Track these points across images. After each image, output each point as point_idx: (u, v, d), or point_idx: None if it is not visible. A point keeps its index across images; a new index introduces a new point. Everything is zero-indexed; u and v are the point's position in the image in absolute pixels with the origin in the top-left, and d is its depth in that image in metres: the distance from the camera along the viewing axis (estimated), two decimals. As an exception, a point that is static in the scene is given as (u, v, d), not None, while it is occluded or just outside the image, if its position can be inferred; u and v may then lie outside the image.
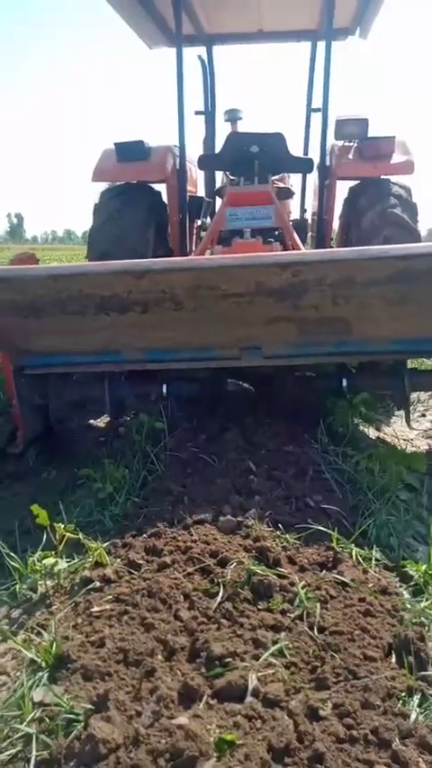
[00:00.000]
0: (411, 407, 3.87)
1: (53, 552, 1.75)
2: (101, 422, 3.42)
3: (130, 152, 3.72)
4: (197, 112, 4.67)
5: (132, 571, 1.69)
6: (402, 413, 3.54)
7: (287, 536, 1.84)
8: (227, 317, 2.44)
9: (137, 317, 2.41)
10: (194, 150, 4.30)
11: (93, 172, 3.82)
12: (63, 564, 1.71)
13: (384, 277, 2.29)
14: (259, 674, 1.30)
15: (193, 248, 4.35)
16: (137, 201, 3.72)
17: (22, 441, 2.72)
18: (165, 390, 2.88)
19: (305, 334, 2.54)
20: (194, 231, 4.52)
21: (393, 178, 3.68)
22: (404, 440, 3.11)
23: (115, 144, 3.77)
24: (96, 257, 3.49)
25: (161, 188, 4.03)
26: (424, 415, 3.73)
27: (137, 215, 3.64)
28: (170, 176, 3.86)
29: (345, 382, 2.88)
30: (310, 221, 4.76)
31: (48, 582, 1.70)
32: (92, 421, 3.41)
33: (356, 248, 2.78)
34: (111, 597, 1.58)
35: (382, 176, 3.67)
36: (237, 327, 2.54)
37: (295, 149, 3.91)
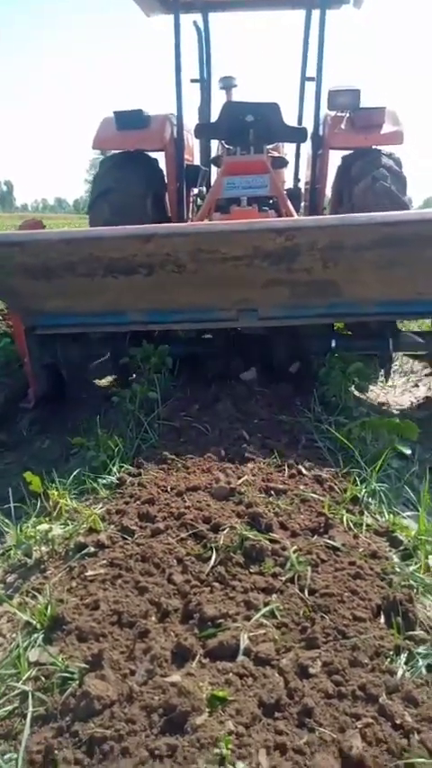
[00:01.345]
0: (405, 377, 3.91)
1: (47, 519, 1.76)
2: (106, 381, 3.58)
3: (130, 120, 3.77)
4: (193, 80, 4.63)
5: (126, 537, 1.71)
6: (398, 382, 3.57)
7: (279, 502, 1.85)
8: (226, 279, 2.60)
9: (142, 279, 2.56)
10: (190, 118, 4.30)
11: (93, 140, 3.88)
12: (57, 530, 1.72)
13: (371, 242, 2.45)
14: (251, 634, 1.33)
15: (190, 216, 4.39)
16: (136, 170, 3.77)
17: (33, 397, 2.90)
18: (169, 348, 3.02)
19: (298, 297, 2.71)
20: (191, 199, 4.54)
21: (384, 148, 3.77)
22: (397, 409, 3.12)
23: (114, 112, 3.79)
24: (97, 225, 3.57)
25: (158, 156, 4.06)
26: (417, 386, 3.75)
27: (136, 183, 3.69)
28: (168, 145, 3.91)
29: (334, 343, 3.04)
30: (303, 190, 4.79)
31: (42, 548, 1.72)
32: (97, 381, 3.56)
33: (345, 215, 2.99)
34: (105, 562, 1.59)
35: (372, 146, 3.74)
36: (234, 290, 2.69)
37: (290, 119, 3.95)
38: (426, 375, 3.83)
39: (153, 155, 4.05)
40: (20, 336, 2.88)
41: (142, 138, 3.83)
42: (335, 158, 4.08)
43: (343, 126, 3.83)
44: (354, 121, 3.77)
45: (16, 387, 3.12)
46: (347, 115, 3.82)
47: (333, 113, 3.91)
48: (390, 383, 3.87)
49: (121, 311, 2.81)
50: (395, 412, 3.03)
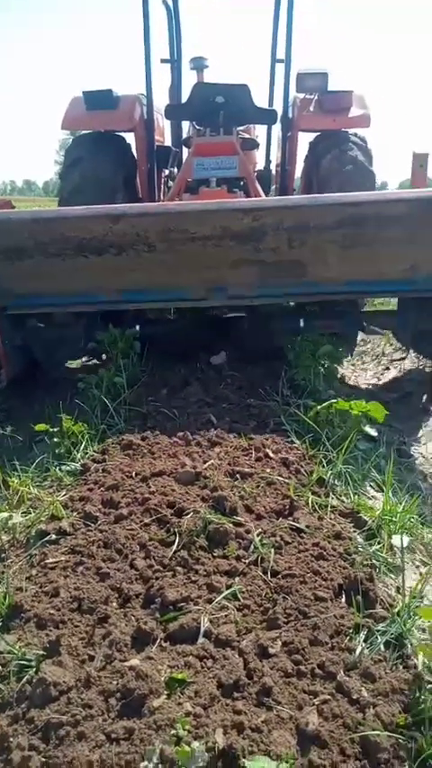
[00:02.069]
0: (376, 360, 3.95)
1: (8, 507, 1.73)
2: (77, 363, 3.56)
3: (99, 101, 3.73)
4: (163, 60, 4.58)
5: (89, 523, 1.69)
6: (368, 366, 3.61)
7: (245, 486, 1.85)
8: (195, 259, 2.65)
9: (112, 258, 2.61)
10: (161, 99, 4.29)
11: (62, 119, 3.83)
12: (18, 518, 1.69)
13: (334, 222, 2.56)
14: (212, 616, 1.33)
15: (162, 197, 4.39)
16: (106, 151, 3.75)
17: (5, 377, 2.89)
18: (138, 330, 3.05)
19: (266, 276, 2.75)
20: (163, 180, 4.53)
21: (351, 130, 3.82)
22: (366, 391, 3.15)
23: (83, 92, 3.74)
24: (67, 206, 3.51)
25: (129, 137, 4.03)
26: (388, 369, 3.78)
27: (105, 164, 3.67)
28: (138, 126, 3.89)
29: (302, 322, 3.08)
30: (274, 172, 4.81)
31: (3, 536, 1.69)
32: (69, 362, 3.54)
33: (310, 195, 3.14)
34: (66, 549, 1.57)
35: (341, 129, 3.80)
36: (204, 269, 2.73)
37: (260, 101, 3.96)
38: (394, 360, 3.87)
39: (124, 136, 4.01)
40: None
41: (111, 118, 3.80)
42: (304, 140, 4.12)
43: (311, 108, 3.87)
44: (322, 104, 3.81)
45: None
46: (316, 98, 3.86)
47: (302, 96, 3.94)
48: (361, 366, 3.91)
49: (92, 291, 2.83)
50: (364, 395, 3.06)
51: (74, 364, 3.61)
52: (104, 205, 2.77)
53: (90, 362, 3.49)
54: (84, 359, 3.56)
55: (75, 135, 4.35)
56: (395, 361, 3.83)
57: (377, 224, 2.55)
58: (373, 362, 3.92)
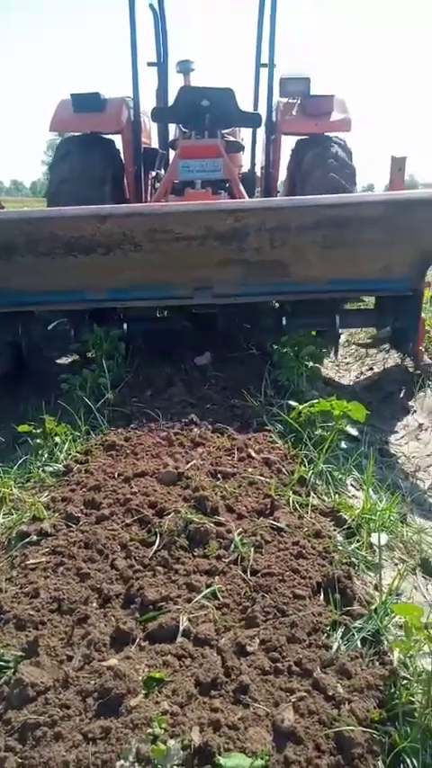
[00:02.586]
0: (360, 361, 3.98)
1: (-12, 508, 1.72)
2: (66, 360, 3.59)
3: (86, 103, 3.80)
4: (150, 64, 4.65)
5: (70, 524, 1.69)
6: (352, 367, 3.65)
7: (227, 485, 1.86)
8: (181, 259, 2.71)
9: (100, 258, 2.67)
10: (148, 102, 4.34)
11: (50, 121, 3.89)
12: (0, 519, 1.69)
13: (314, 223, 2.64)
14: (191, 615, 1.34)
15: (149, 199, 4.43)
16: (93, 152, 3.82)
17: None
18: (125, 329, 3.11)
19: (249, 275, 2.84)
20: (149, 182, 4.58)
21: (333, 134, 3.93)
22: (348, 392, 3.18)
23: (71, 95, 3.81)
24: (56, 198, 3.66)
25: (116, 139, 4.09)
26: (371, 369, 3.81)
27: (93, 166, 3.74)
28: (125, 128, 3.97)
29: (284, 321, 3.14)
30: (259, 174, 4.86)
31: (-16, 538, 1.68)
32: (59, 360, 3.59)
33: (290, 197, 3.33)
34: (47, 550, 1.58)
35: (323, 133, 3.92)
36: (189, 269, 2.81)
37: (245, 105, 4.07)
38: (372, 363, 3.92)
39: (111, 138, 4.07)
40: None
41: (99, 120, 3.86)
42: (288, 143, 4.22)
43: (294, 112, 3.97)
44: (304, 108, 3.92)
45: None
46: (298, 102, 3.95)
47: (285, 100, 4.03)
48: (345, 367, 3.94)
49: (80, 289, 2.88)
50: (347, 395, 3.08)
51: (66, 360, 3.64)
52: (92, 205, 2.83)
53: (77, 361, 3.51)
54: (70, 358, 3.57)
55: (62, 136, 4.39)
56: (380, 362, 3.86)
57: (355, 225, 2.65)
58: (356, 363, 3.95)
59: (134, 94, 3.93)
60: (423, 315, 3.09)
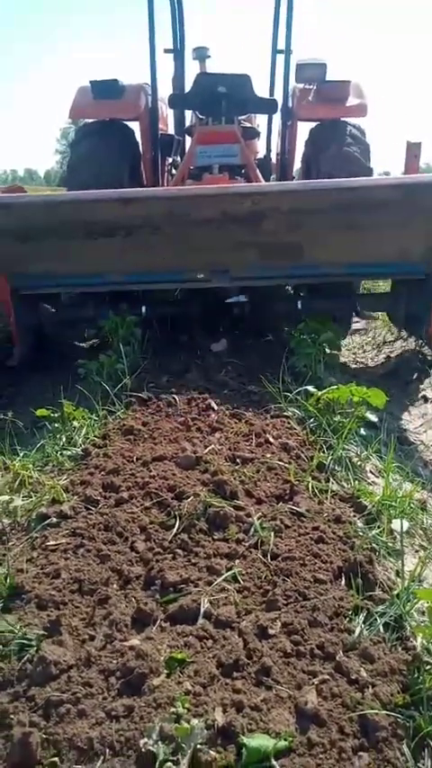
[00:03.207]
0: (377, 349, 3.94)
1: (8, 490, 1.73)
2: (85, 343, 3.68)
3: (105, 90, 3.86)
4: (166, 51, 4.65)
5: (90, 507, 1.69)
6: (370, 354, 3.63)
7: (245, 470, 1.85)
8: (198, 242, 2.78)
9: (120, 241, 2.73)
10: (164, 89, 4.37)
11: (70, 108, 3.97)
12: (19, 501, 1.69)
13: (328, 206, 2.68)
14: (212, 598, 1.33)
15: (165, 184, 4.48)
16: (112, 138, 3.88)
17: (18, 356, 3.02)
18: (144, 311, 3.19)
19: (266, 258, 2.89)
20: (166, 168, 4.63)
21: (349, 119, 3.92)
22: (366, 379, 3.15)
23: (91, 82, 3.87)
24: (75, 175, 3.74)
25: (134, 125, 4.14)
26: (389, 358, 3.77)
27: (112, 151, 3.80)
28: (143, 114, 4.02)
29: (300, 304, 3.21)
30: (274, 160, 4.88)
31: (4, 519, 1.69)
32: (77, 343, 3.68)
33: (304, 181, 3.35)
34: (67, 532, 1.58)
35: (339, 118, 3.91)
36: (207, 252, 2.87)
37: (261, 90, 4.08)
38: (389, 351, 3.88)
39: (129, 124, 4.11)
40: (5, 297, 2.99)
41: (118, 107, 3.91)
42: (304, 129, 4.19)
43: (310, 98, 3.97)
44: (320, 94, 3.91)
45: None
46: (314, 88, 3.95)
47: (301, 86, 4.04)
48: (362, 354, 3.90)
49: (100, 272, 2.94)
50: (365, 382, 3.05)
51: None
52: (114, 190, 2.89)
53: (95, 344, 3.56)
54: (89, 341, 3.66)
55: (77, 124, 4.43)
56: (398, 349, 3.82)
57: (370, 208, 2.67)
58: (374, 351, 3.91)
59: (152, 81, 3.98)
60: None
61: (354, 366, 3.65)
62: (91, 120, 4.08)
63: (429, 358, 3.49)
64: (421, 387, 3.19)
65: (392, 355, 3.79)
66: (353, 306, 3.33)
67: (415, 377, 3.30)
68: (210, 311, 3.35)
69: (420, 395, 3.10)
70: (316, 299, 3.25)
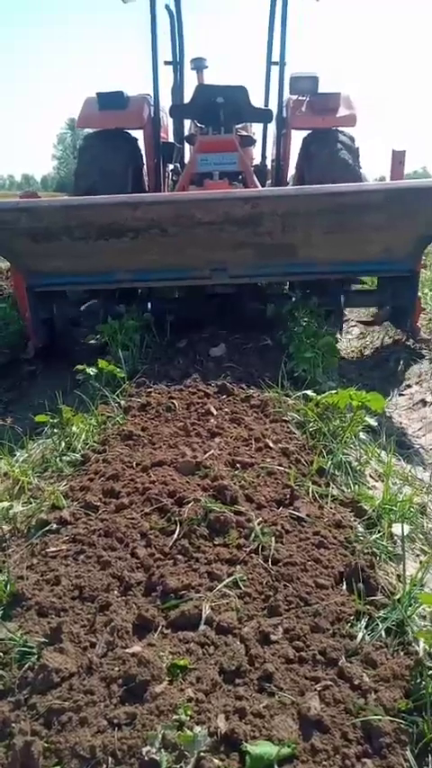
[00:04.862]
0: (376, 352, 3.96)
1: (8, 496, 1.72)
2: (92, 339, 3.84)
3: (111, 101, 4.10)
4: (166, 62, 4.87)
5: (89, 513, 1.69)
6: (368, 355, 3.68)
7: (245, 475, 1.85)
8: (201, 242, 3.01)
9: (129, 242, 2.97)
10: (163, 99, 4.57)
11: (77, 118, 4.25)
12: (19, 507, 1.69)
13: (319, 209, 2.92)
14: (213, 604, 1.33)
15: (166, 190, 4.74)
16: (117, 146, 4.13)
17: (32, 349, 3.27)
18: (149, 307, 3.44)
19: (262, 257, 3.13)
20: (167, 174, 4.85)
21: (340, 129, 4.18)
22: (365, 383, 3.15)
23: (97, 93, 4.12)
24: (84, 177, 4.00)
25: (137, 134, 4.39)
26: (387, 361, 3.77)
27: (117, 158, 4.04)
28: (147, 124, 4.27)
29: (294, 301, 3.46)
30: (269, 167, 5.09)
31: (4, 526, 1.69)
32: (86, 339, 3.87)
33: (298, 186, 3.68)
34: (67, 538, 1.57)
35: (330, 128, 4.18)
36: (208, 251, 3.11)
37: (256, 101, 4.36)
38: (371, 340, 4.05)
39: (132, 132, 4.35)
40: (21, 294, 3.22)
41: (123, 117, 4.17)
42: (298, 137, 4.46)
43: (303, 109, 4.23)
44: (313, 105, 4.18)
45: None
46: (307, 99, 4.21)
47: (295, 97, 4.29)
48: (361, 359, 3.91)
49: (111, 270, 3.18)
50: (364, 386, 3.06)
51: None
52: (123, 194, 3.19)
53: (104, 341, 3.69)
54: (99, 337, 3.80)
55: (74, 130, 4.68)
56: (396, 352, 3.83)
57: (357, 211, 2.88)
58: (372, 354, 3.92)
59: (154, 92, 4.20)
60: (420, 294, 3.43)
61: (352, 369, 3.66)
62: (97, 130, 4.33)
63: (411, 346, 3.72)
64: (420, 390, 3.19)
65: (390, 358, 3.80)
66: (344, 301, 3.58)
67: (414, 380, 3.37)
68: (207, 306, 3.61)
69: (419, 399, 3.11)
70: (310, 296, 3.48)
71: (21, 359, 3.35)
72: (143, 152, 4.43)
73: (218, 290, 3.50)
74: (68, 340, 3.62)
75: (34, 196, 3.36)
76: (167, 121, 4.93)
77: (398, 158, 3.37)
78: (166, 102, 4.64)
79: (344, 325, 4.27)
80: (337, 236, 3.03)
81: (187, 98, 4.51)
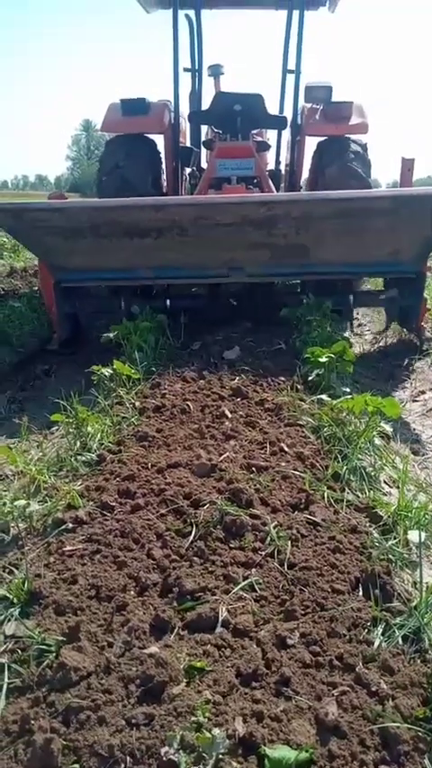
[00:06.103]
0: (396, 361, 3.97)
1: (24, 495, 1.73)
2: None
3: (133, 107, 4.29)
4: (185, 69, 4.99)
5: (105, 513, 1.69)
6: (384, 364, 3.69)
7: (260, 479, 1.85)
8: (219, 242, 3.19)
9: (151, 241, 3.16)
10: (181, 104, 4.73)
11: (101, 123, 4.48)
12: (35, 506, 1.70)
13: (330, 213, 3.08)
14: (229, 606, 1.33)
15: (183, 192, 4.93)
16: (139, 151, 4.33)
17: (57, 341, 3.53)
18: (168, 304, 3.61)
19: (277, 257, 3.33)
20: (184, 177, 5.01)
21: (352, 136, 4.34)
22: (380, 388, 3.14)
23: (121, 100, 4.30)
24: (106, 197, 4.10)
25: (157, 139, 4.57)
26: (399, 366, 3.76)
27: (139, 162, 4.21)
28: (167, 129, 4.45)
29: (306, 300, 3.59)
30: (283, 172, 5.27)
31: (20, 524, 1.70)
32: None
33: (312, 192, 3.96)
34: (83, 537, 1.58)
35: (343, 135, 4.34)
36: (226, 251, 3.29)
37: (272, 108, 4.54)
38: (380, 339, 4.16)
39: (152, 137, 4.53)
40: (48, 289, 3.41)
41: (145, 123, 4.36)
42: (311, 144, 4.63)
43: (317, 117, 4.40)
44: (326, 113, 4.34)
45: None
46: (321, 107, 4.38)
47: (309, 105, 4.46)
48: (374, 364, 3.90)
49: (133, 268, 3.38)
50: (379, 392, 3.05)
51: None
52: (148, 197, 3.39)
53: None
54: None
55: (89, 133, 4.84)
56: (411, 359, 3.81)
57: (366, 216, 3.03)
58: (385, 359, 3.90)
59: (174, 99, 4.40)
60: (425, 295, 3.56)
61: (367, 375, 3.65)
62: (112, 134, 4.53)
63: (417, 344, 3.80)
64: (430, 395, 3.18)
65: (402, 365, 3.79)
66: (353, 301, 3.70)
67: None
68: (223, 308, 3.76)
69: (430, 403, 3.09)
70: (322, 295, 3.61)
71: (45, 350, 3.56)
72: (162, 156, 4.58)
73: (232, 288, 3.63)
74: (89, 334, 3.76)
75: (62, 197, 3.58)
76: (185, 126, 5.11)
77: (407, 166, 3.54)
78: (183, 107, 4.78)
79: (357, 329, 4.38)
80: (347, 239, 3.19)
81: (204, 104, 4.68)
